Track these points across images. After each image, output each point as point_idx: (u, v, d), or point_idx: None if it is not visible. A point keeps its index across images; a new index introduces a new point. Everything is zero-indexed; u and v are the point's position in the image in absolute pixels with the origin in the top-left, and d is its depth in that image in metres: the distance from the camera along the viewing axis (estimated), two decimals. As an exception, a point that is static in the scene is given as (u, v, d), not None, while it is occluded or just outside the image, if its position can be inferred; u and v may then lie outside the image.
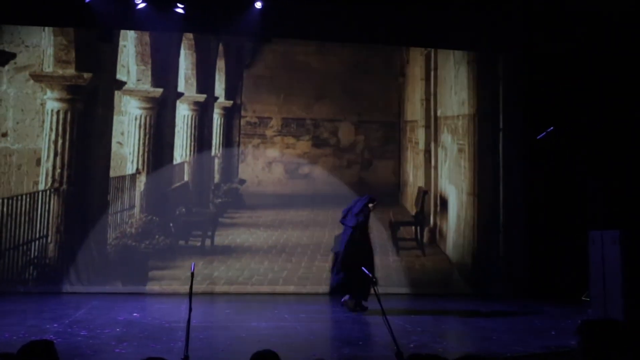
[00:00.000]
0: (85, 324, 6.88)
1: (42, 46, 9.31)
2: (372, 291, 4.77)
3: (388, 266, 11.06)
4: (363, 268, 5.06)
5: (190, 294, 4.56)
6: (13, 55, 8.97)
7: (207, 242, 12.10)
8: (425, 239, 12.39)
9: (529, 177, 8.67)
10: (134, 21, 7.97)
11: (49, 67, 8.95)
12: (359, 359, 5.77)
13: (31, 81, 9.41)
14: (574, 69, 8.41)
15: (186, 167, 14.22)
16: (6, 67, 9.41)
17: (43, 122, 9.17)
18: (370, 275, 4.74)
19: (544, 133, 7.55)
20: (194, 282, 4.77)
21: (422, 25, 8.41)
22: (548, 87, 8.53)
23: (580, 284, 7.74)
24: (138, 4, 7.64)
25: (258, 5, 7.86)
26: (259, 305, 8.10)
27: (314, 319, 7.46)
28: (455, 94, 11.31)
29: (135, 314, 7.41)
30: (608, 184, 8.14)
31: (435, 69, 13.28)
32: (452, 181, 11.51)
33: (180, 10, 7.74)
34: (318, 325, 7.16)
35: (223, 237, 12.98)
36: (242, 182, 18.01)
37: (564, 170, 8.49)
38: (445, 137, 12.32)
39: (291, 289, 8.66)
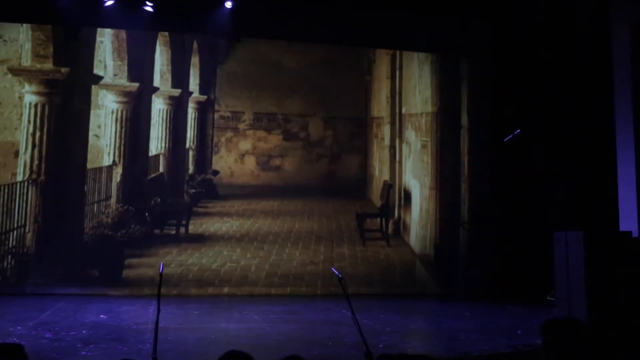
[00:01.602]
0: (51, 326, 6.50)
1: (21, 41, 9.04)
2: (341, 291, 4.64)
3: (355, 255, 11.09)
4: (333, 268, 4.93)
5: (159, 295, 4.32)
6: (-9, 50, 8.71)
7: (182, 230, 11.97)
8: (390, 231, 12.44)
9: (493, 175, 8.61)
10: (102, 19, 7.65)
11: (27, 62, 8.70)
12: (328, 359, 5.64)
13: (9, 75, 9.12)
14: (539, 71, 8.38)
15: (161, 158, 14.03)
16: (-16, 61, 9.14)
17: (21, 115, 8.92)
18: (340, 275, 4.61)
19: (511, 135, 7.48)
20: (162, 283, 4.52)
21: (388, 28, 8.34)
22: (514, 89, 8.47)
23: (545, 283, 7.62)
24: (105, 2, 7.34)
25: (228, 5, 7.62)
26: (228, 306, 7.77)
27: (284, 320, 7.19)
28: (419, 92, 11.32)
29: (102, 316, 7.03)
30: (572, 184, 8.12)
31: (400, 68, 13.31)
32: (416, 176, 11.55)
33: (149, 9, 7.45)
34: (287, 326, 6.90)
35: (197, 226, 12.86)
36: (216, 173, 17.85)
37: (528, 170, 8.43)
38: (410, 134, 12.36)
39: (257, 290, 8.47)
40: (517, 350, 5.95)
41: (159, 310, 4.18)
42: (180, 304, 7.66)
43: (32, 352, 5.39)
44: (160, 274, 4.49)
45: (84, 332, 6.34)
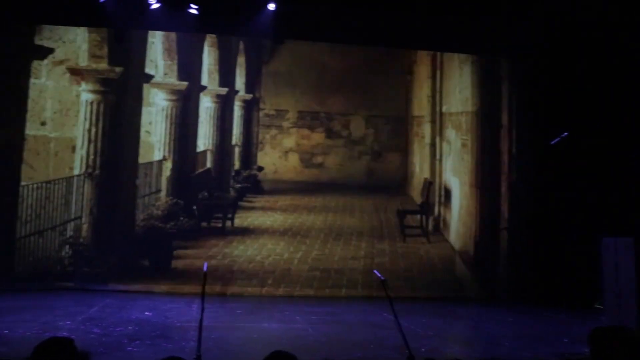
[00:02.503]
0: (98, 322, 6.44)
1: (78, 42, 9.24)
2: (383, 293, 4.37)
3: (395, 251, 11.00)
4: (375, 271, 4.73)
5: (203, 294, 4.20)
6: (51, 50, 8.89)
7: (228, 223, 12.08)
8: (430, 227, 12.32)
9: (537, 177, 8.17)
10: (148, 21, 7.63)
11: (84, 62, 8.87)
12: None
13: (68, 74, 9.34)
14: (587, 72, 7.95)
15: (209, 154, 14.20)
16: (45, 61, 9.33)
17: (78, 112, 9.12)
18: (383, 278, 4.38)
19: (558, 138, 7.10)
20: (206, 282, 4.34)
21: (430, 30, 8.13)
22: (560, 89, 8.06)
23: (591, 289, 7.15)
24: (152, 5, 7.35)
25: (271, 7, 7.52)
26: (270, 306, 7.57)
27: (325, 321, 6.97)
28: (460, 91, 11.15)
29: (147, 313, 6.94)
30: (622, 188, 7.64)
31: (441, 68, 13.14)
32: (456, 173, 11.38)
33: (193, 11, 7.43)
34: (329, 328, 6.69)
35: (242, 219, 12.97)
36: (260, 169, 18.00)
37: (575, 172, 7.84)
38: (450, 132, 12.19)
39: (298, 290, 8.32)
40: (564, 358, 5.70)
41: (203, 309, 4.10)
42: (223, 302, 7.51)
43: (81, 346, 5.38)
44: (205, 273, 4.35)
45: (129, 328, 6.30)
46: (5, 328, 6.02)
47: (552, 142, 7.25)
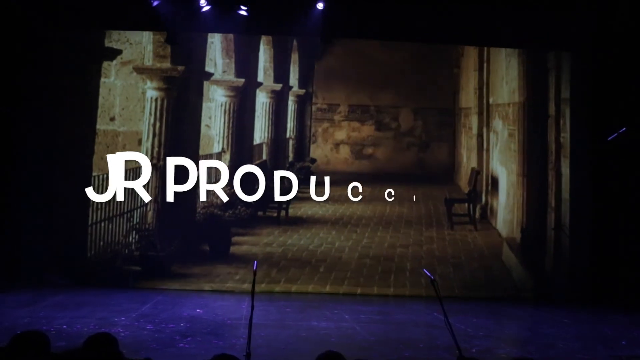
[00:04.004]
0: (151, 319, 6.45)
1: (143, 43, 9.50)
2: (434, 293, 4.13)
3: (443, 238, 10.89)
4: (424, 270, 4.57)
5: (253, 292, 4.11)
6: (120, 52, 9.16)
7: (282, 213, 12.19)
8: (477, 215, 12.12)
9: (590, 167, 7.58)
10: (199, 24, 7.67)
11: (149, 61, 9.10)
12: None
13: (134, 73, 9.59)
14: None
15: (264, 147, 14.37)
16: (114, 61, 9.64)
17: (144, 108, 9.38)
18: (432, 277, 4.13)
19: (615, 134, 6.65)
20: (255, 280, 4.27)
21: (477, 25, 7.88)
22: (612, 81, 7.57)
23: None
24: (203, 7, 7.37)
25: (320, 6, 7.41)
26: (318, 304, 7.38)
27: (374, 320, 6.72)
28: (507, 83, 10.92)
29: (198, 310, 6.90)
30: None
31: (488, 60, 12.90)
32: (503, 163, 11.17)
33: (243, 13, 7.40)
34: (378, 327, 6.45)
35: (296, 209, 13.07)
36: (313, 161, 18.06)
37: (635, 167, 7.36)
38: (497, 123, 11.96)
39: (343, 288, 8.18)
40: None
41: (252, 307, 4.02)
42: (272, 300, 7.38)
43: (135, 342, 5.57)
44: (255, 272, 4.26)
45: (181, 325, 6.29)
46: (65, 324, 6.15)
47: (610, 138, 6.85)
